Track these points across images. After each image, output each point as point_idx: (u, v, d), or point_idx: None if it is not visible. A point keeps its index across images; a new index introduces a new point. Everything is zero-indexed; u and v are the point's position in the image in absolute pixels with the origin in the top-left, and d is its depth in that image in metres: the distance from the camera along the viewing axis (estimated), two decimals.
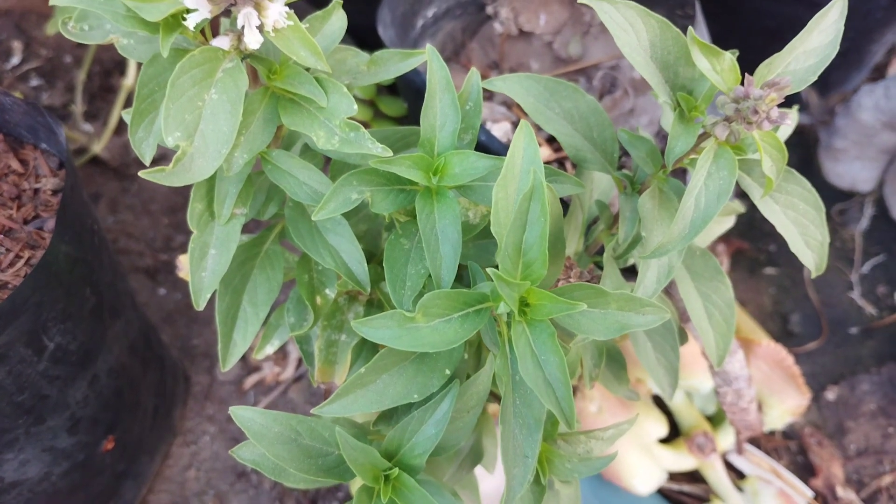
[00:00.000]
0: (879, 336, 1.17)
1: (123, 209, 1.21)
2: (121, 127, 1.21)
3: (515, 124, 0.95)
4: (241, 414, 0.54)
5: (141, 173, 0.47)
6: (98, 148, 1.14)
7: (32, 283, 0.57)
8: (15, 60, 1.27)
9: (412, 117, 1.09)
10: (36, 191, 0.71)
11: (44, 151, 0.72)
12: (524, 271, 0.52)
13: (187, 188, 1.24)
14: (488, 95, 0.98)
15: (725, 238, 1.22)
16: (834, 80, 1.24)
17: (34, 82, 1.25)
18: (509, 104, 0.98)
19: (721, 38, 0.97)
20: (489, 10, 1.00)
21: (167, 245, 1.20)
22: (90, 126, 1.21)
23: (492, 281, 0.52)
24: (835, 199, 1.26)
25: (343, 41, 0.60)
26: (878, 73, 1.34)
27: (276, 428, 0.54)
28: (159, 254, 1.19)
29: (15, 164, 0.71)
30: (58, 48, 1.28)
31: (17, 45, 1.28)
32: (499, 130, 0.92)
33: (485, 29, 1.02)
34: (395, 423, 0.61)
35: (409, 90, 0.95)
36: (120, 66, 1.27)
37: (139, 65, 1.16)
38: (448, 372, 0.56)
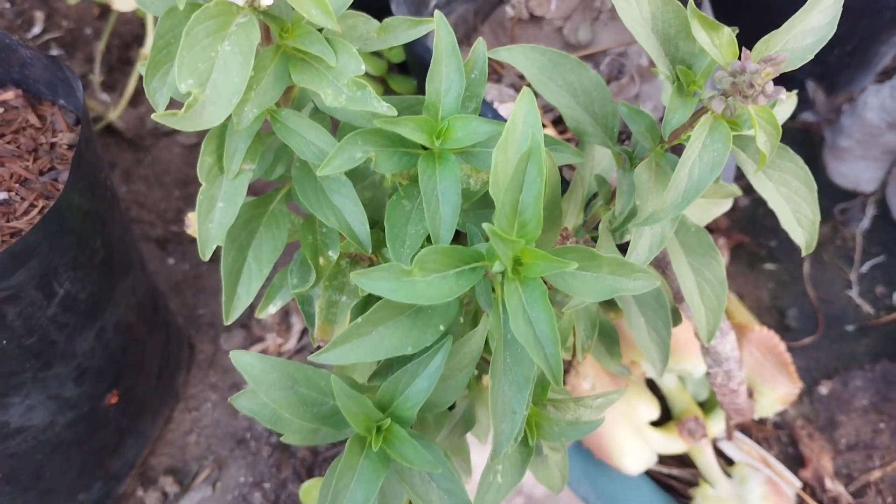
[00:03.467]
0: (875, 334, 1.18)
1: (137, 180, 1.23)
2: (136, 98, 1.24)
3: None
4: (241, 358, 0.56)
5: (154, 116, 0.49)
6: (114, 116, 1.16)
7: (44, 228, 0.59)
8: (36, 30, 1.29)
9: (421, 93, 1.11)
10: (52, 145, 0.73)
11: (61, 108, 0.74)
12: (520, 230, 0.54)
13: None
14: (497, 77, 1.00)
15: (726, 232, 1.24)
16: (841, 80, 1.25)
17: (54, 52, 1.28)
18: (517, 87, 1.00)
19: (728, 16, 0.99)
20: None
21: (178, 217, 1.22)
22: (107, 96, 1.24)
23: (488, 242, 0.54)
24: (838, 198, 1.27)
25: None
26: (887, 76, 1.35)
27: (274, 374, 0.56)
28: (170, 225, 1.21)
29: (33, 119, 0.73)
30: (79, 20, 1.31)
31: (38, 15, 1.30)
32: (506, 111, 0.93)
33: (497, 13, 1.03)
34: (386, 378, 0.63)
35: (419, 67, 0.97)
36: (139, 39, 1.30)
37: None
38: (442, 328, 0.58)
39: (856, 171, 1.24)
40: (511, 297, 0.54)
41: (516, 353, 0.56)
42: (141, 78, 1.19)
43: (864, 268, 1.23)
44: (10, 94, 0.75)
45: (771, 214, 1.25)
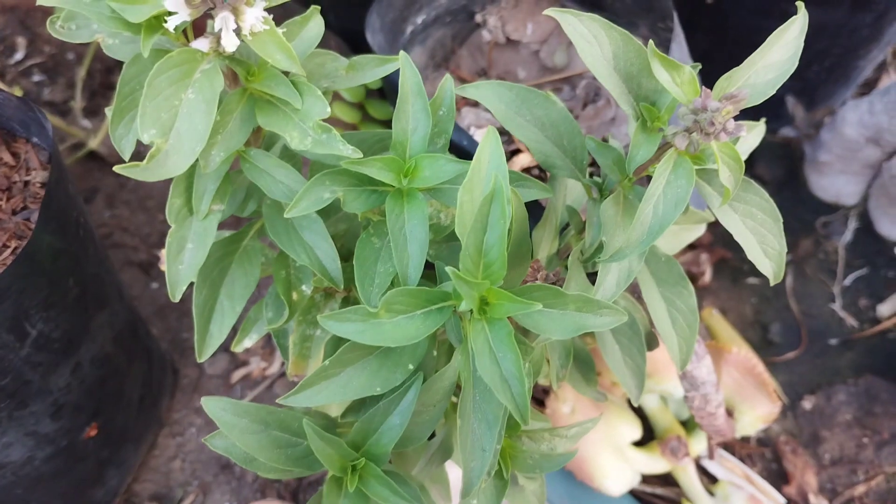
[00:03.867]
0: (859, 348, 1.19)
1: (120, 204, 1.24)
2: None
3: (500, 130, 0.97)
4: (211, 405, 0.56)
5: (116, 168, 0.49)
6: (94, 143, 1.16)
7: (15, 271, 0.60)
8: (18, 56, 1.30)
9: None
10: (26, 183, 0.73)
11: (35, 145, 0.74)
12: (485, 271, 0.55)
13: None
14: (474, 102, 1.00)
15: (708, 247, 1.24)
16: (820, 95, 1.26)
17: (36, 77, 1.28)
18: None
19: (709, 53, 1.00)
20: (478, 18, 1.03)
21: (162, 241, 1.22)
22: (89, 122, 1.24)
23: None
24: (819, 211, 1.28)
25: (336, 45, 0.63)
26: (867, 89, 1.36)
27: (246, 419, 0.56)
28: (153, 249, 1.21)
29: (7, 157, 0.74)
30: (61, 45, 1.31)
31: (21, 41, 1.31)
32: (482, 136, 0.94)
33: (474, 37, 1.04)
34: (359, 417, 0.63)
35: (395, 94, 0.97)
36: (121, 64, 1.30)
37: None
38: (411, 367, 0.58)
39: (837, 184, 1.25)
40: (477, 337, 0.54)
41: (484, 390, 0.57)
42: None
43: (847, 280, 1.24)
44: None
45: None
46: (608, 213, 0.61)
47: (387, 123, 1.09)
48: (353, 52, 1.13)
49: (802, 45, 0.59)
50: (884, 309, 1.22)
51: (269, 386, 1.10)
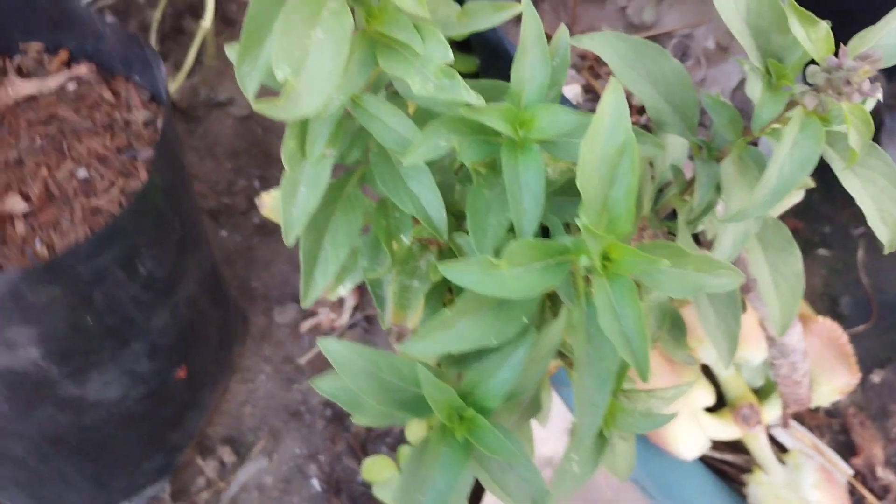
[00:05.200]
0: None
1: (189, 151, 1.24)
2: (192, 70, 1.24)
3: (585, 87, 0.96)
4: (328, 346, 0.56)
5: (255, 105, 0.49)
6: (172, 89, 1.16)
7: (133, 210, 0.60)
8: None
9: (484, 74, 1.09)
10: (127, 122, 0.73)
11: (136, 84, 0.74)
12: (609, 226, 0.54)
13: (251, 135, 1.27)
14: None
15: (780, 216, 1.22)
16: None
17: (108, 19, 1.27)
18: (578, 67, 0.99)
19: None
20: None
21: (229, 188, 1.23)
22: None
23: (572, 236, 0.54)
24: None
25: None
26: None
27: (360, 361, 0.57)
28: (222, 196, 1.22)
29: (107, 95, 0.74)
30: None
31: None
32: (569, 92, 0.92)
33: None
34: (465, 368, 0.63)
35: (483, 46, 0.96)
36: (192, 8, 1.29)
37: (217, 10, 1.17)
38: (525, 320, 0.58)
39: None
40: (599, 294, 0.54)
41: (599, 347, 0.56)
42: (198, 49, 1.18)
43: None
44: (83, 69, 0.75)
45: (825, 201, 1.24)
46: (728, 174, 0.60)
47: (471, 76, 1.07)
48: None
49: None
50: None
51: (339, 337, 1.11)
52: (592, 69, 0.99)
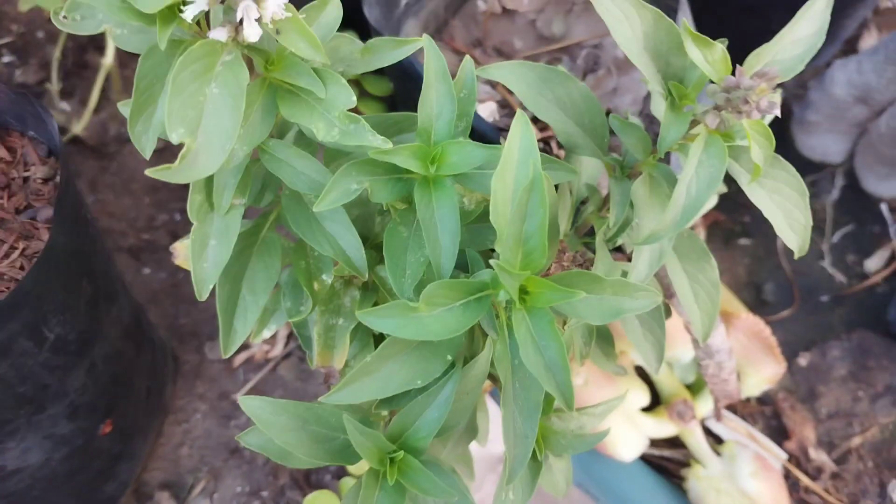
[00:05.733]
0: (849, 303, 1.21)
1: (103, 188, 1.20)
2: (99, 106, 1.20)
3: (500, 104, 0.96)
4: (249, 403, 0.55)
5: (148, 171, 0.48)
6: (78, 128, 1.12)
7: (34, 277, 0.57)
8: None
9: (398, 97, 1.09)
10: (25, 179, 0.70)
11: (31, 139, 0.71)
12: (524, 260, 0.54)
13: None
14: None
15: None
16: None
17: (6, 58, 1.22)
18: (493, 84, 0.99)
19: (709, 29, 0.98)
20: None
21: (150, 224, 1.19)
22: (67, 104, 1.19)
23: (490, 268, 0.54)
24: (807, 170, 1.29)
25: None
26: (850, 46, 1.36)
27: (284, 416, 0.56)
28: (142, 233, 1.18)
29: (2, 153, 0.71)
30: (29, 23, 1.25)
31: None
32: (484, 111, 0.92)
33: (468, 6, 1.02)
34: (396, 406, 0.63)
35: (396, 70, 0.95)
36: (94, 40, 1.25)
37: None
38: (450, 358, 0.58)
39: (824, 143, 1.26)
40: (519, 327, 0.54)
41: (525, 378, 0.57)
42: (103, 86, 1.14)
43: (836, 237, 1.26)
44: None
45: (743, 192, 1.27)
46: (638, 195, 0.61)
47: (384, 99, 1.07)
48: (343, 26, 1.10)
49: (829, 18, 0.59)
50: (871, 264, 1.24)
51: (273, 368, 1.09)
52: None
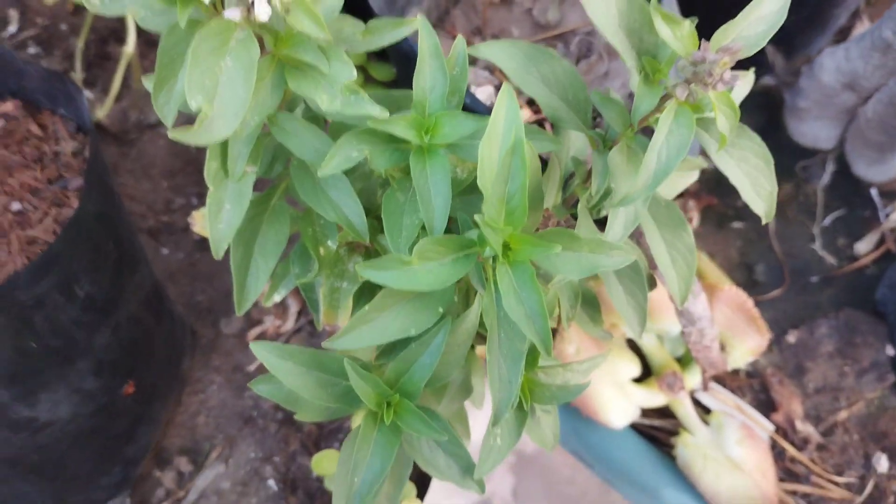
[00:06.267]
0: (838, 284, 1.26)
1: (124, 173, 1.26)
2: (121, 94, 1.26)
3: (498, 87, 1.01)
4: (259, 349, 0.61)
5: (170, 133, 0.53)
6: (101, 114, 1.19)
7: (65, 238, 0.64)
8: (12, 29, 1.31)
9: (401, 82, 1.15)
10: (56, 153, 0.77)
11: (62, 117, 0.78)
12: (507, 218, 0.59)
13: (185, 153, 1.31)
14: (472, 61, 1.04)
15: (695, 194, 1.30)
16: (798, 44, 1.31)
17: (32, 50, 1.29)
18: (492, 69, 1.04)
19: (690, 8, 1.04)
20: None
21: (167, 207, 1.26)
22: (90, 93, 1.26)
23: (479, 229, 0.59)
24: (799, 156, 1.34)
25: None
26: (842, 36, 1.41)
27: (291, 361, 0.61)
28: (160, 215, 1.25)
29: (34, 129, 0.77)
30: (53, 16, 1.32)
31: (13, 14, 1.32)
32: (482, 93, 0.98)
33: None
34: (393, 358, 0.68)
35: (398, 56, 1.01)
36: (115, 33, 1.32)
37: (139, 34, 1.20)
38: (441, 310, 0.63)
39: (814, 129, 1.31)
40: (503, 280, 0.59)
41: (509, 328, 0.62)
42: (124, 74, 1.21)
43: (826, 221, 1.31)
44: (9, 106, 0.78)
45: None
46: (615, 162, 0.66)
47: (388, 84, 1.13)
48: (348, 13, 1.16)
49: None
50: (860, 247, 1.29)
51: (285, 342, 1.15)
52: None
